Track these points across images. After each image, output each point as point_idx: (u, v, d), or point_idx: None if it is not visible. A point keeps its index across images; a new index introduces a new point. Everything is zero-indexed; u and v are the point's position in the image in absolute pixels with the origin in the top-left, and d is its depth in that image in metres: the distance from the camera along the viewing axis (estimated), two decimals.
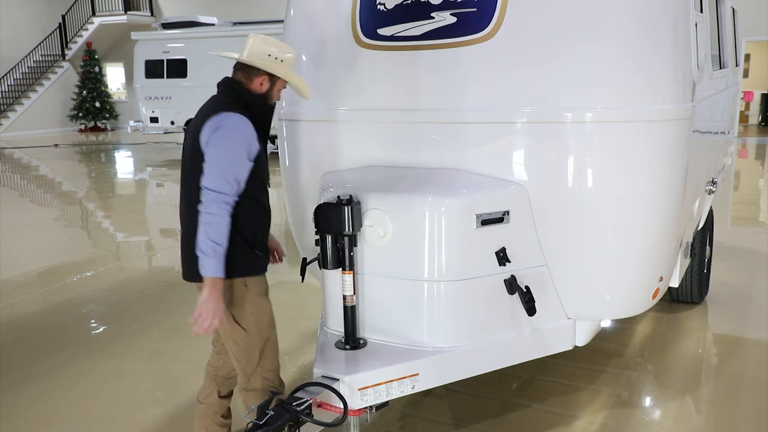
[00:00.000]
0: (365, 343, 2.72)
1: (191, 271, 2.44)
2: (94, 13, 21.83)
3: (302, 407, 2.31)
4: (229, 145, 2.33)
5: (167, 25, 15.07)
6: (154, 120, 14.94)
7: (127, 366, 4.07)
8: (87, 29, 21.90)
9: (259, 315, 2.51)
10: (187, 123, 2.57)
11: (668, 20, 2.65)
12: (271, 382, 2.57)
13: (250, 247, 2.45)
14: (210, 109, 2.42)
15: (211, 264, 2.32)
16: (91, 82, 21.83)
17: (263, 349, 2.53)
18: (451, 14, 2.83)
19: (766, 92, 17.95)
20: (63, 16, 21.87)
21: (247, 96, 2.47)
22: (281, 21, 3.43)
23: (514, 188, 2.75)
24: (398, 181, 2.83)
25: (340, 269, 2.66)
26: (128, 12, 21.62)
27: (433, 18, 2.86)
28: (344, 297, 2.66)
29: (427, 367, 2.59)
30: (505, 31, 2.72)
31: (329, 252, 2.63)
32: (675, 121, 2.67)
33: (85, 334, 4.62)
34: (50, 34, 21.86)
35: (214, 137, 2.34)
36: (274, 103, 2.57)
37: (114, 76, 23.63)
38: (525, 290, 2.67)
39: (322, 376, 2.50)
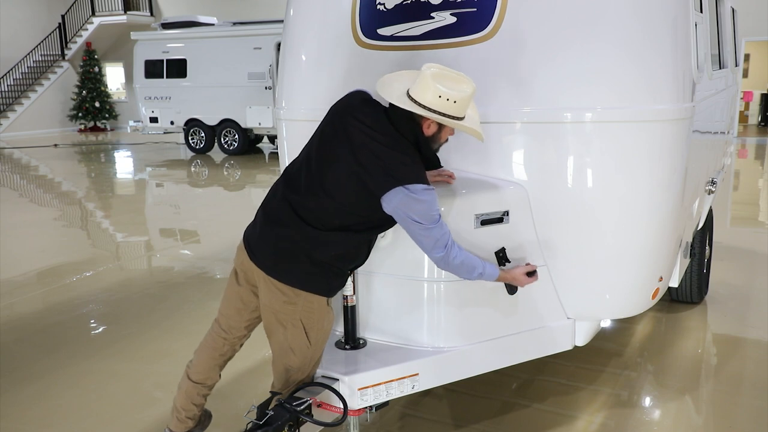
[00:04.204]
0: (365, 343, 2.72)
1: (271, 266, 2.40)
2: (93, 13, 21.79)
3: (302, 407, 2.31)
4: (422, 216, 2.26)
5: (167, 25, 15.09)
6: (153, 120, 14.94)
7: (127, 366, 4.07)
8: (86, 29, 21.87)
9: (326, 332, 2.50)
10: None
11: (668, 20, 2.65)
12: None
13: (345, 271, 2.48)
14: (390, 154, 2.25)
15: (488, 274, 2.47)
16: (91, 82, 21.82)
17: (317, 362, 2.53)
18: (450, 14, 2.83)
19: (765, 92, 17.96)
20: (63, 16, 21.86)
21: (421, 138, 2.33)
22: (281, 21, 3.43)
23: (513, 188, 2.75)
24: None
25: None
26: (128, 12, 21.58)
27: (433, 18, 2.86)
28: (344, 297, 2.66)
29: (427, 367, 2.59)
30: (504, 31, 2.72)
31: None
32: (675, 121, 2.68)
33: (85, 334, 4.62)
34: (50, 34, 21.84)
35: (410, 210, 2.25)
36: (436, 148, 2.42)
37: (114, 76, 23.62)
38: (501, 252, 2.68)
39: (322, 376, 2.51)
